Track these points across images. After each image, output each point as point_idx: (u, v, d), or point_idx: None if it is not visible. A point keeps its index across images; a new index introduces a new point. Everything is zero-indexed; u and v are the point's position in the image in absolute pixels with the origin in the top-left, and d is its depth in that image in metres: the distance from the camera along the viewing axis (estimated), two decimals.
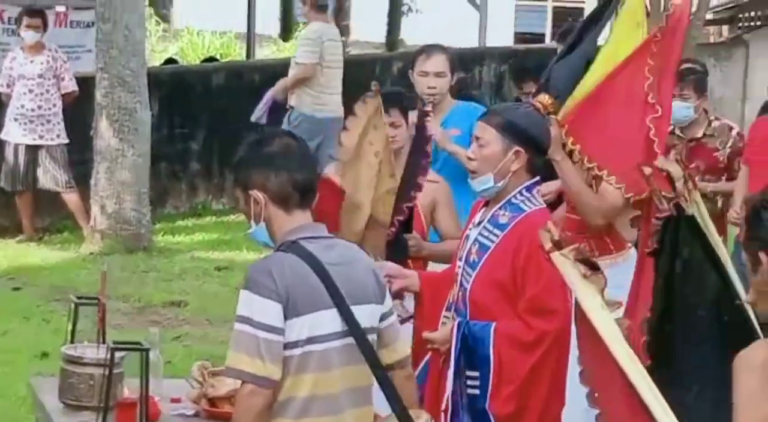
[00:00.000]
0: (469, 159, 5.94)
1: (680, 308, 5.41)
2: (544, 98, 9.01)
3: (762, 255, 4.11)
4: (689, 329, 5.35)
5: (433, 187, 6.85)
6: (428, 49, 8.96)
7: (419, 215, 6.79)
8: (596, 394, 4.89)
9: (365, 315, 4.92)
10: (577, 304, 4.88)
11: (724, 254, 5.58)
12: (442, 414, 5.77)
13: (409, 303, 6.28)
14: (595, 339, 4.77)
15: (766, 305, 4.22)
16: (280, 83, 14.09)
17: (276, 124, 13.20)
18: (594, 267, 4.93)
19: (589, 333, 4.81)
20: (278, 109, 13.91)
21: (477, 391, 5.75)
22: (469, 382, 5.77)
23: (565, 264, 4.90)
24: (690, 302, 5.41)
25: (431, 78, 8.58)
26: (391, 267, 6.14)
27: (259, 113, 13.97)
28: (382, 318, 5.02)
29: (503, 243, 5.75)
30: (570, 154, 6.24)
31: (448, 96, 8.67)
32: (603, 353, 4.75)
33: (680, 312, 5.43)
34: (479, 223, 5.88)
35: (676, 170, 5.53)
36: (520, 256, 5.63)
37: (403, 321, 5.67)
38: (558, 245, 4.92)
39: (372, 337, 4.95)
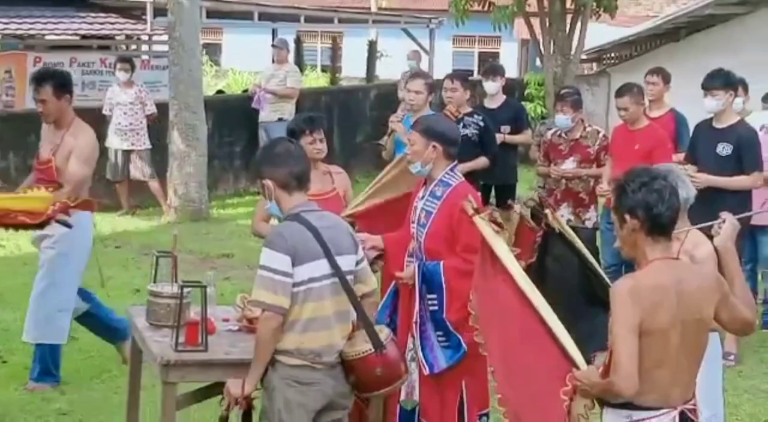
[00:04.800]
0: (406, 154, 6.03)
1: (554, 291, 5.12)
2: (452, 108, 9.07)
3: (626, 216, 4.19)
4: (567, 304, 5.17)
5: (343, 177, 6.73)
6: (412, 76, 9.24)
7: (341, 199, 6.59)
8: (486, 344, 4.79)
9: (345, 262, 4.93)
10: (475, 285, 4.92)
11: (587, 253, 5.40)
12: (414, 325, 5.80)
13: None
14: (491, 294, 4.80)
15: (628, 250, 4.28)
16: (281, 90, 14.71)
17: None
18: (501, 226, 5.00)
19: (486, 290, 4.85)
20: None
21: (436, 307, 5.77)
22: (429, 302, 5.79)
23: (483, 224, 4.96)
24: (561, 286, 5.24)
25: (412, 94, 8.82)
26: (365, 235, 6.10)
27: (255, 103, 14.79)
28: (357, 263, 5.03)
29: (441, 208, 5.79)
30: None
31: (426, 106, 8.82)
32: (495, 299, 4.76)
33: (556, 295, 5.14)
34: (422, 197, 5.92)
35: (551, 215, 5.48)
36: (454, 216, 5.66)
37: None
38: (477, 211, 4.98)
39: (350, 277, 4.96)
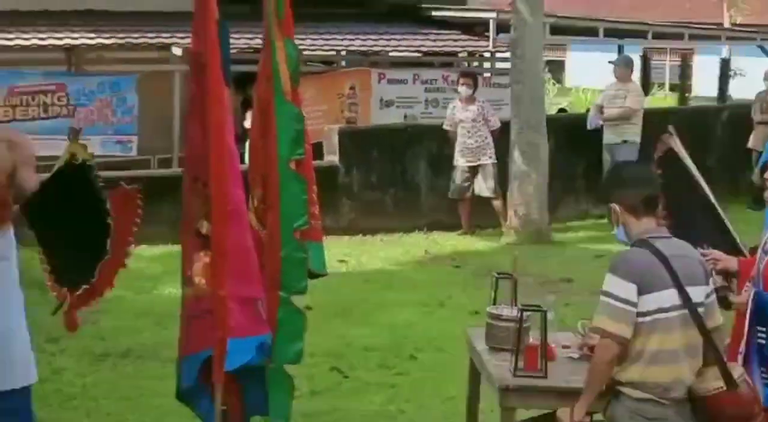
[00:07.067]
0: None
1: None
2: None
3: None
4: None
5: None
6: None
7: None
8: None
9: (696, 293, 4.83)
10: None
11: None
12: (739, 356, 5.53)
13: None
14: None
15: None
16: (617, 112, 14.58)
17: None
18: None
19: None
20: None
21: (764, 341, 5.50)
22: (758, 334, 5.53)
23: None
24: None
25: None
26: (718, 253, 5.86)
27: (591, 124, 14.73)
28: (707, 295, 4.92)
29: None
30: None
31: None
32: None
33: None
34: None
35: None
36: None
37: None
38: None
39: (701, 310, 4.85)
